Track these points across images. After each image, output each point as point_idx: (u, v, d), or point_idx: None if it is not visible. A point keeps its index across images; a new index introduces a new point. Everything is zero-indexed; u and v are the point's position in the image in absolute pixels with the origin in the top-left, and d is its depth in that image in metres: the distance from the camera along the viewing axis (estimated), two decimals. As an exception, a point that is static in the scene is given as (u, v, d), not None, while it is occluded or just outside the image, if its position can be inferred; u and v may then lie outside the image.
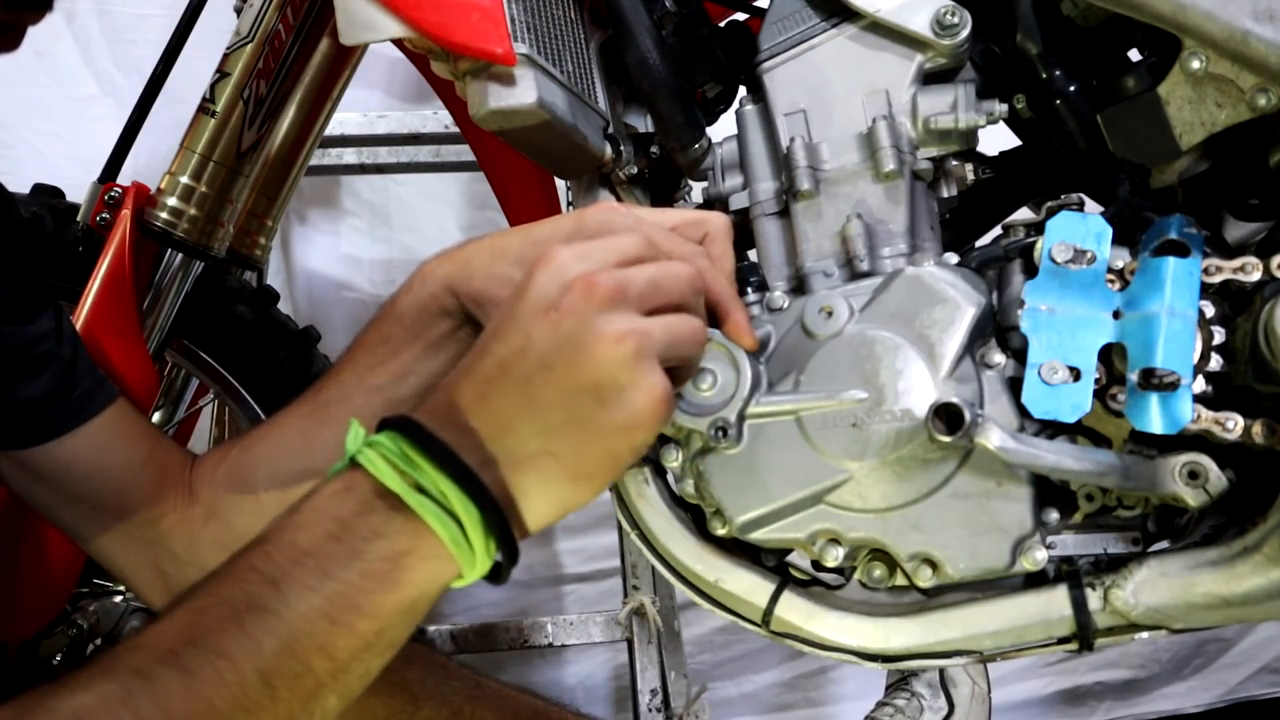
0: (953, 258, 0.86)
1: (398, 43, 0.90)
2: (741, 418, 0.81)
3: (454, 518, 0.61)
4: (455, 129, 1.71)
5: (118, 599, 1.43)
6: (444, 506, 0.61)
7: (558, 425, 0.63)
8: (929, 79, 0.89)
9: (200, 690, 0.58)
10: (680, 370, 0.70)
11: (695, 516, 0.92)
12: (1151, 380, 0.77)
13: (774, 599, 0.89)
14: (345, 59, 1.30)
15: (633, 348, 0.63)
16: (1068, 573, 0.85)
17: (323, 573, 0.61)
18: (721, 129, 0.99)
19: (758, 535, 0.87)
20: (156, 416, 1.48)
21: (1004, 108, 0.87)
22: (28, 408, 0.91)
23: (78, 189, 1.29)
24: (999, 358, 0.84)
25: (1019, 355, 0.83)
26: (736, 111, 0.95)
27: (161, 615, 0.64)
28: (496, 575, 0.64)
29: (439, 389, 0.67)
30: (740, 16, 1.06)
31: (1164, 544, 0.87)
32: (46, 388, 0.92)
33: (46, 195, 1.35)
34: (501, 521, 0.62)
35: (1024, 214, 0.99)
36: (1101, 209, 0.86)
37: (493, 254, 0.81)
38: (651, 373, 0.63)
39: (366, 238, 2.13)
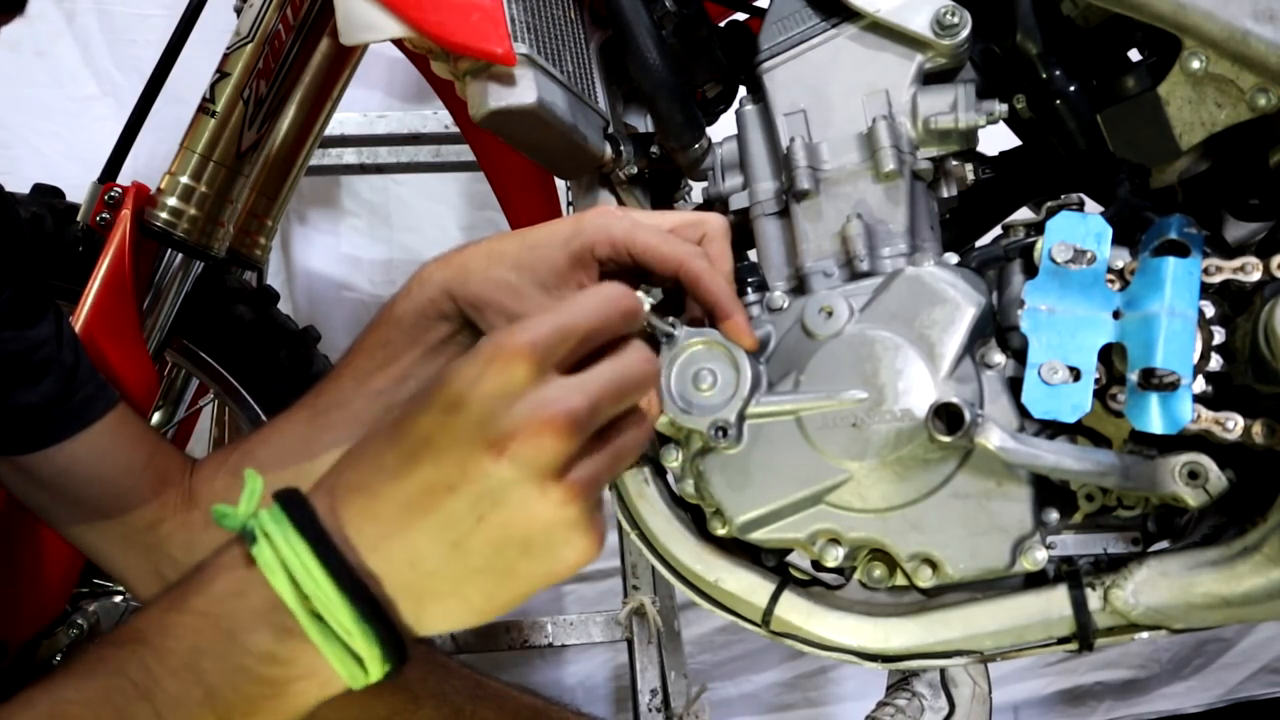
0: (953, 258, 0.86)
1: (398, 43, 0.90)
2: (741, 418, 0.81)
3: (353, 654, 0.57)
4: (455, 129, 1.71)
5: (118, 599, 1.43)
6: (345, 643, 0.57)
7: (474, 572, 0.58)
8: (929, 79, 0.89)
9: None
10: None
11: (695, 516, 0.92)
12: (1151, 380, 0.77)
13: (774, 599, 0.89)
14: (345, 59, 1.30)
15: (577, 510, 0.57)
16: (1068, 573, 0.85)
17: (205, 690, 0.57)
18: (722, 129, 0.99)
19: (758, 535, 0.87)
20: (156, 417, 1.48)
21: (1004, 108, 0.87)
22: (28, 413, 0.91)
23: (78, 189, 1.29)
24: (999, 358, 0.84)
25: (1019, 355, 0.83)
26: (736, 111, 0.95)
27: (17, 697, 0.59)
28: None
29: (351, 467, 0.61)
30: (740, 16, 1.06)
31: (1164, 544, 0.87)
32: (47, 393, 0.92)
33: (46, 195, 1.35)
34: (401, 650, 0.59)
35: (1024, 214, 0.99)
36: (1101, 209, 0.86)
37: (490, 258, 0.79)
38: (589, 530, 0.58)
39: (366, 238, 2.13)
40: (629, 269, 0.78)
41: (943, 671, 1.44)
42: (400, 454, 0.58)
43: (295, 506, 0.58)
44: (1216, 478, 0.78)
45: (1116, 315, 0.80)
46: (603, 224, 0.77)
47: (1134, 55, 0.90)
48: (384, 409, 0.85)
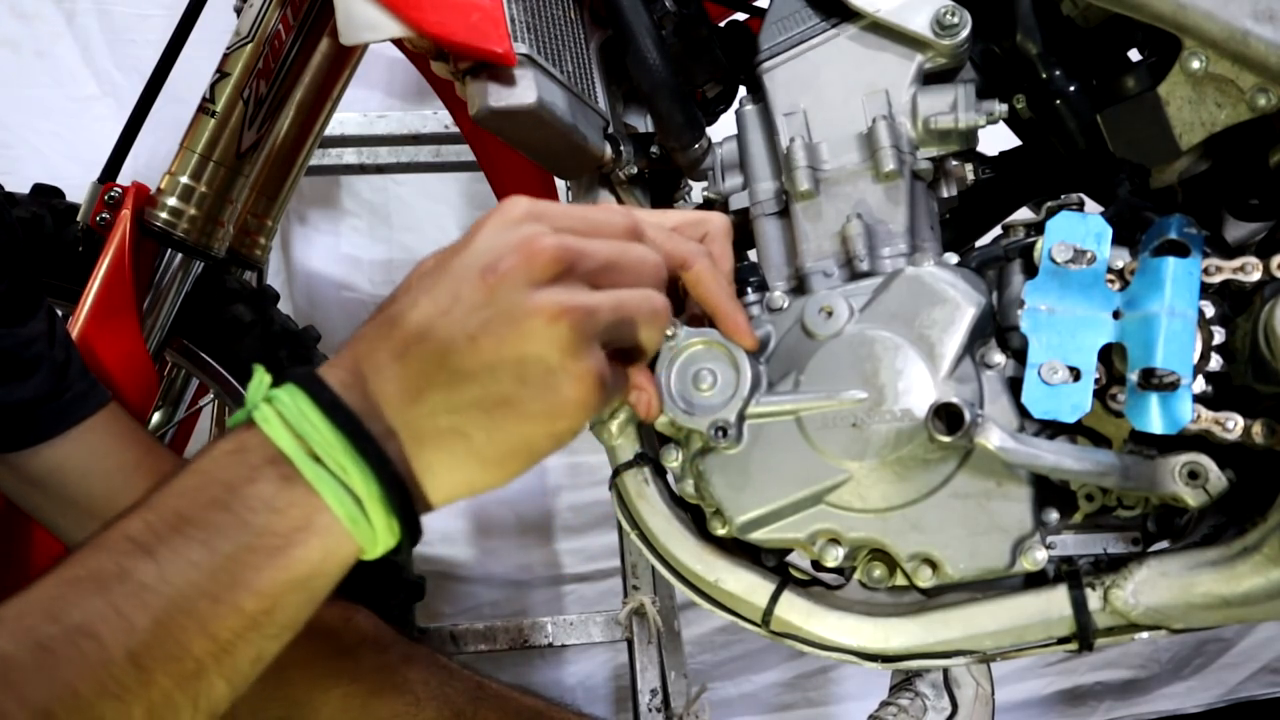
0: (953, 258, 0.86)
1: (398, 43, 0.90)
2: (741, 418, 0.81)
3: (352, 494, 0.56)
4: (455, 129, 1.71)
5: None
6: (342, 481, 0.56)
7: (471, 402, 0.57)
8: (929, 79, 0.89)
9: (61, 674, 0.52)
10: (634, 352, 0.65)
11: (695, 516, 0.92)
12: (1151, 380, 0.77)
13: (774, 599, 0.89)
14: (345, 59, 1.30)
15: (568, 327, 0.56)
16: (1068, 573, 0.85)
17: (205, 544, 0.55)
18: (721, 129, 0.99)
19: (758, 535, 0.87)
20: (156, 417, 1.48)
21: (1004, 108, 0.87)
22: (18, 410, 0.91)
23: (78, 189, 1.29)
24: (999, 358, 0.84)
25: (1019, 355, 0.83)
26: (736, 111, 0.95)
27: (26, 587, 0.57)
28: (397, 551, 0.59)
29: (354, 340, 0.60)
30: (740, 16, 1.06)
31: (1164, 544, 0.87)
32: (37, 390, 0.92)
33: (46, 195, 1.35)
34: (404, 497, 0.57)
35: (1024, 214, 0.99)
36: (1101, 209, 0.87)
37: None
38: (585, 357, 0.57)
39: (366, 238, 2.14)
40: None
41: (946, 672, 1.44)
42: (399, 307, 0.59)
43: (299, 373, 0.58)
44: (1216, 478, 0.78)
45: (1116, 315, 0.80)
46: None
47: (1134, 55, 0.90)
48: None
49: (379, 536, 0.57)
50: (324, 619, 0.99)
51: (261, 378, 0.59)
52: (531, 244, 0.57)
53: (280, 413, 0.56)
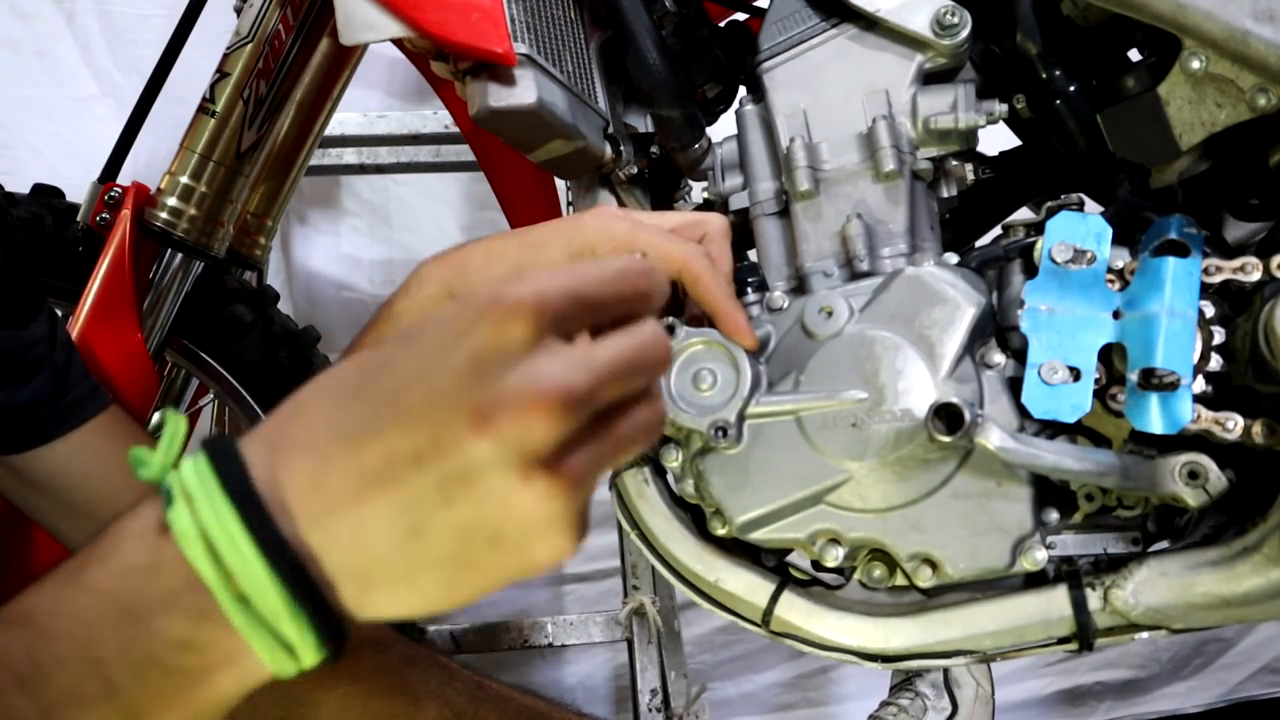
0: (953, 258, 0.86)
1: (397, 43, 0.90)
2: (741, 418, 0.81)
3: (283, 640, 0.48)
4: (455, 129, 1.71)
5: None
6: (273, 629, 0.48)
7: (432, 562, 0.49)
8: (929, 79, 0.89)
9: None
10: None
11: (695, 516, 0.92)
12: (1151, 380, 0.77)
13: (774, 599, 0.89)
14: (345, 59, 1.30)
15: (561, 506, 0.48)
16: (1068, 573, 0.85)
17: (104, 685, 0.48)
18: (721, 129, 0.99)
19: (757, 535, 0.87)
20: (156, 416, 1.48)
21: (1004, 108, 0.87)
22: (19, 412, 0.91)
23: (78, 189, 1.29)
24: (999, 358, 0.84)
25: (1019, 355, 0.83)
26: (736, 111, 0.95)
27: None
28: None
29: (300, 436, 0.50)
30: (740, 16, 1.06)
31: (1164, 544, 0.87)
32: (39, 392, 0.92)
33: (46, 195, 1.35)
34: (338, 633, 0.50)
35: (1024, 214, 0.99)
36: (1101, 209, 0.87)
37: (489, 256, 0.78)
38: (571, 528, 0.48)
39: (366, 238, 2.14)
40: None
41: (946, 672, 1.44)
42: (362, 411, 0.49)
43: (224, 460, 0.48)
44: (1216, 478, 0.78)
45: (1116, 315, 0.80)
46: (603, 223, 0.77)
47: (1134, 55, 0.90)
48: None
49: (302, 667, 0.50)
50: None
51: (176, 424, 0.51)
52: (535, 387, 0.46)
53: (203, 527, 0.47)
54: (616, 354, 0.49)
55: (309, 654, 0.49)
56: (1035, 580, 0.86)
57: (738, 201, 0.93)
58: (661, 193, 1.04)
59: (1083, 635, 0.84)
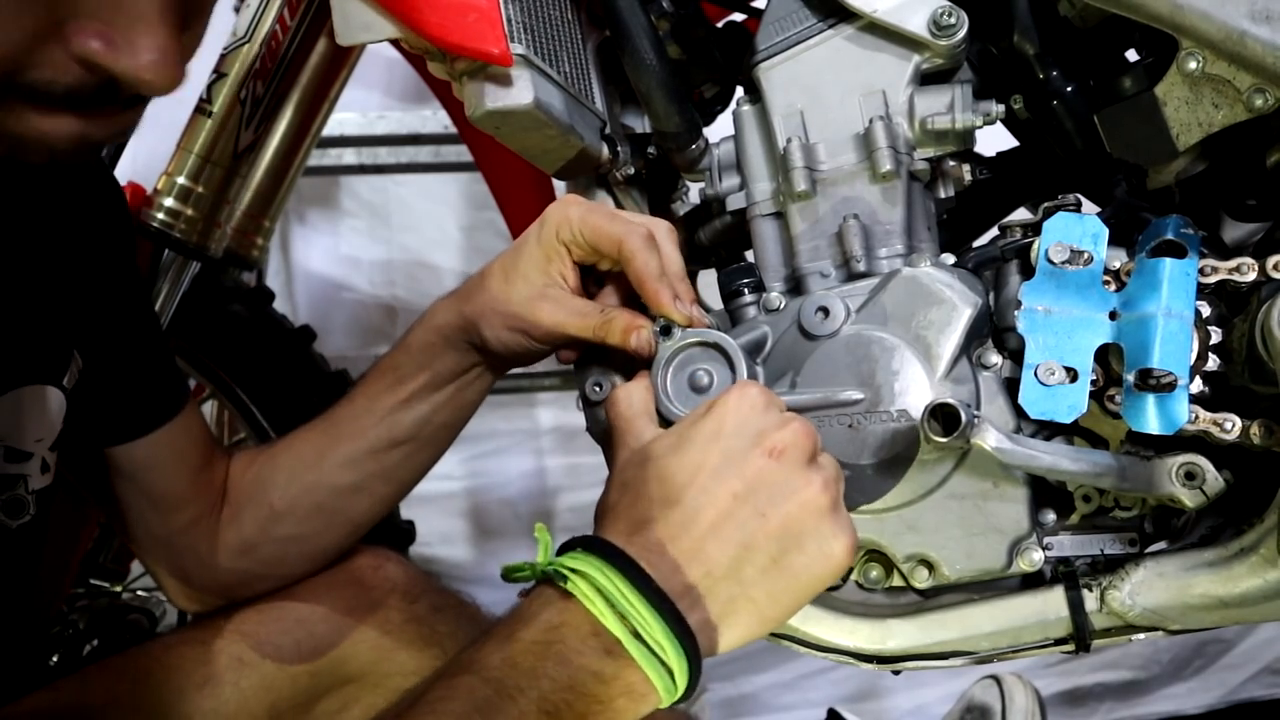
0: (949, 258, 0.86)
1: (395, 43, 0.90)
2: None
3: (666, 666, 0.63)
4: (455, 129, 1.71)
5: (118, 598, 1.43)
6: (659, 657, 0.62)
7: (759, 572, 0.66)
8: (926, 79, 0.88)
9: None
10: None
11: (692, 517, 0.92)
12: (1148, 381, 0.76)
13: (771, 600, 0.89)
14: (342, 60, 1.29)
15: (834, 496, 0.67)
16: (1064, 574, 0.85)
17: (544, 709, 0.62)
18: (719, 129, 0.99)
19: (754, 536, 0.86)
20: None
21: (1001, 108, 0.87)
22: (133, 405, 0.93)
23: (76, 189, 1.29)
24: (996, 358, 0.84)
25: (1016, 356, 0.82)
26: (734, 112, 0.95)
27: None
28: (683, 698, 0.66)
29: (637, 518, 0.67)
30: (738, 17, 1.06)
31: (1161, 545, 0.87)
32: (148, 387, 0.94)
33: (45, 196, 1.34)
34: (699, 662, 0.64)
35: (1021, 215, 0.99)
36: (1098, 210, 0.86)
37: (484, 276, 0.87)
38: (848, 522, 0.68)
39: (366, 238, 2.14)
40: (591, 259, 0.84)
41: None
42: (679, 485, 0.67)
43: (595, 544, 0.65)
44: (1214, 479, 0.78)
45: (1113, 316, 0.80)
46: (562, 210, 0.84)
47: (1131, 55, 0.90)
48: (388, 429, 0.92)
49: (679, 694, 0.64)
50: (355, 568, 1.02)
51: (546, 541, 0.68)
52: (793, 424, 0.68)
53: (598, 587, 0.63)
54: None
55: (683, 678, 0.63)
56: (1032, 581, 0.86)
57: (735, 202, 0.93)
58: (659, 193, 1.03)
59: (1079, 636, 0.84)
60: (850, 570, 0.89)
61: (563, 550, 0.67)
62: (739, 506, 0.66)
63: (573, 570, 0.64)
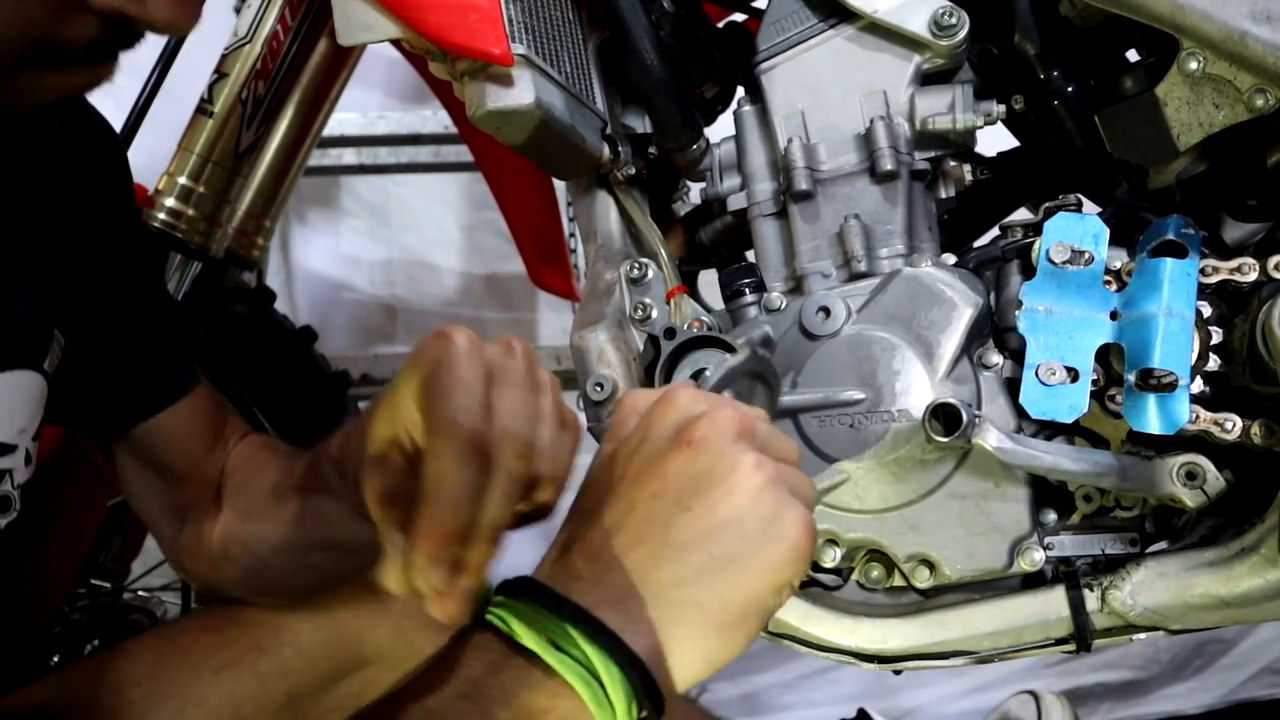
0: (950, 258, 0.86)
1: (395, 43, 0.90)
2: None
3: (595, 676, 0.56)
4: (455, 129, 1.71)
5: (118, 597, 1.43)
6: (584, 664, 0.57)
7: (698, 569, 0.58)
8: (927, 79, 0.89)
9: None
10: None
11: (693, 517, 0.92)
12: (1149, 381, 0.76)
13: (772, 600, 0.89)
14: (343, 59, 1.29)
15: (772, 473, 0.59)
16: (1065, 573, 0.85)
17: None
18: (720, 130, 0.99)
19: (755, 536, 0.86)
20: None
21: (1002, 108, 0.87)
22: (149, 383, 0.91)
23: (76, 189, 1.29)
24: (996, 358, 0.84)
25: (1017, 356, 0.83)
26: (734, 112, 0.95)
27: None
28: None
29: (561, 546, 0.62)
30: (739, 17, 1.06)
31: (1162, 545, 0.87)
32: (162, 364, 0.92)
33: (45, 196, 1.34)
34: (646, 679, 0.57)
35: (1022, 215, 0.99)
36: (1099, 210, 0.86)
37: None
38: (794, 501, 0.59)
39: (366, 238, 2.14)
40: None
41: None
42: (600, 500, 0.61)
43: (508, 587, 0.61)
44: (1214, 478, 0.78)
45: (1114, 316, 0.80)
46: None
47: (1132, 56, 0.90)
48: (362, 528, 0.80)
49: (619, 715, 0.57)
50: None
51: (488, 593, 0.62)
52: (716, 412, 0.60)
53: (513, 612, 0.58)
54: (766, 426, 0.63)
55: (618, 691, 0.56)
56: (1033, 581, 0.86)
57: (736, 202, 0.93)
58: (659, 193, 1.04)
59: (1080, 636, 0.84)
60: (852, 570, 0.89)
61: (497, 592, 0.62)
62: (659, 506, 0.59)
63: (495, 613, 0.59)
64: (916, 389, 0.82)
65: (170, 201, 1.23)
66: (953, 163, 0.91)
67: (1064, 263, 0.81)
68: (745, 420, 0.61)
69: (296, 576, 0.90)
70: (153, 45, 1.33)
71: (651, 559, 0.59)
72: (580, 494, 0.65)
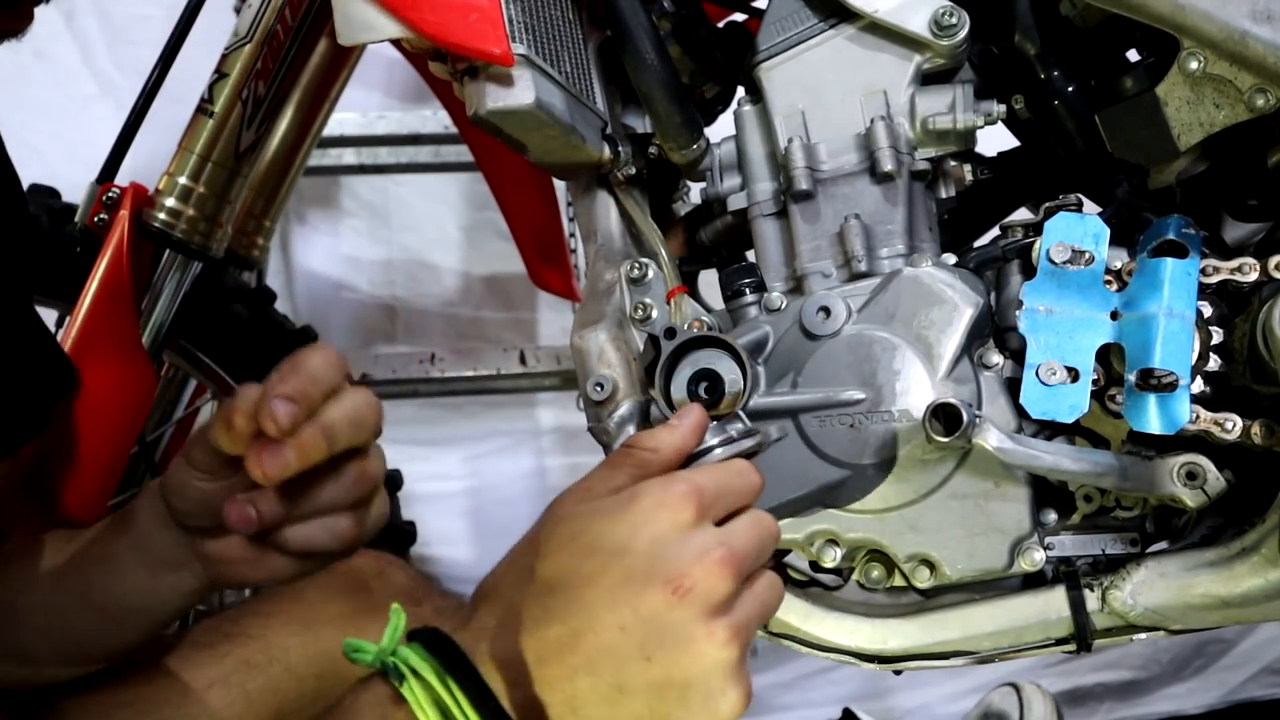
0: (951, 258, 0.86)
1: (395, 43, 0.90)
2: (739, 418, 0.81)
3: None
4: (455, 129, 1.71)
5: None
6: None
7: (631, 718, 0.58)
8: (927, 79, 0.89)
9: None
10: None
11: (693, 517, 0.92)
12: (1150, 381, 0.76)
13: (772, 600, 0.89)
14: (343, 59, 1.29)
15: (736, 652, 0.58)
16: (1066, 573, 0.85)
17: None
18: (720, 130, 0.99)
19: (755, 536, 0.86)
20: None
21: (1002, 108, 0.87)
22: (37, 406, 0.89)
23: (75, 189, 1.29)
24: (997, 358, 0.84)
25: (1017, 356, 0.83)
26: (735, 112, 0.95)
27: None
28: None
29: (512, 613, 0.60)
30: (739, 17, 1.06)
31: (1162, 545, 0.87)
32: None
33: (43, 195, 1.34)
34: None
35: (1022, 215, 0.99)
36: (1099, 209, 0.86)
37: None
38: (743, 680, 0.58)
39: (366, 238, 2.13)
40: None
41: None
42: (564, 599, 0.59)
43: (441, 646, 0.58)
44: (1215, 479, 0.78)
45: (1114, 316, 0.80)
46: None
47: (1133, 56, 0.90)
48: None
49: None
50: (357, 572, 1.01)
51: (397, 624, 0.59)
52: (711, 559, 0.58)
53: (430, 696, 0.56)
54: (753, 531, 0.61)
55: None
56: (1033, 581, 0.86)
57: (736, 202, 0.93)
58: (660, 193, 1.03)
59: (1081, 636, 0.84)
60: (852, 570, 0.89)
61: (413, 636, 0.60)
62: (623, 642, 0.57)
63: (412, 671, 0.57)
64: (917, 389, 0.82)
65: (170, 201, 1.23)
66: (953, 163, 0.91)
67: (1064, 263, 0.81)
68: (737, 569, 0.58)
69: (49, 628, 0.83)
70: (153, 45, 1.33)
71: (594, 694, 0.57)
72: (543, 532, 0.62)
